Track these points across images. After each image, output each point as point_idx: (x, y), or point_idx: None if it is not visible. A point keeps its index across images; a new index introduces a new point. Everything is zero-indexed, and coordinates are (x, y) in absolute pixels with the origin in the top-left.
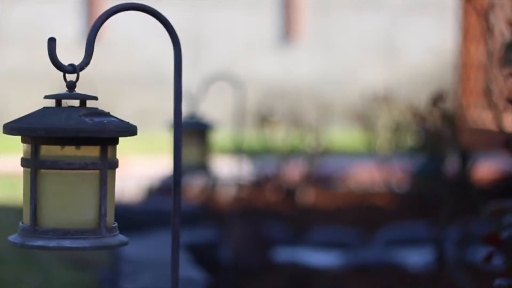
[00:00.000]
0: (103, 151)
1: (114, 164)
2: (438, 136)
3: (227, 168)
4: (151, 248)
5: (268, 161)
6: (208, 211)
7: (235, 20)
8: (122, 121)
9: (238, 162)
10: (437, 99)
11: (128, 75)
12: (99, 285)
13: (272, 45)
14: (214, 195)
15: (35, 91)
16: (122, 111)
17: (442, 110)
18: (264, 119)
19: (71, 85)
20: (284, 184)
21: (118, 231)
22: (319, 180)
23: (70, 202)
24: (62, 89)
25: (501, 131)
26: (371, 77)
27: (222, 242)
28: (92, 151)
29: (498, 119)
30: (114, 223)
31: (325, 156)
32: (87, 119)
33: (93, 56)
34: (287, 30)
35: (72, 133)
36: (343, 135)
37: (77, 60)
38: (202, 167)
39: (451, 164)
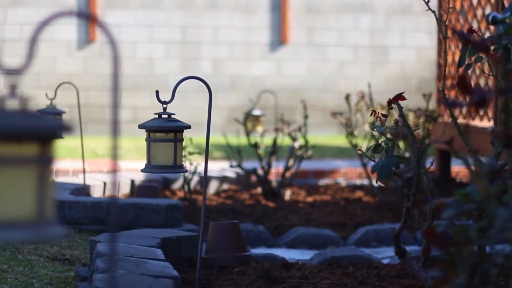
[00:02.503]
0: (41, 148)
1: (51, 160)
2: (396, 134)
3: (210, 167)
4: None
5: (252, 159)
6: (188, 208)
7: (229, 22)
8: (59, 120)
9: (221, 161)
10: (395, 98)
11: (125, 77)
12: (78, 280)
13: (263, 47)
14: (194, 193)
15: (35, 92)
16: (122, 112)
17: (401, 109)
18: (249, 119)
19: (12, 87)
20: (267, 182)
21: (56, 223)
22: (302, 178)
23: (10, 196)
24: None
25: (461, 132)
26: (362, 79)
27: (199, 238)
28: (30, 148)
29: (453, 121)
30: (53, 216)
31: (309, 155)
32: (26, 118)
33: (87, 59)
34: (279, 32)
35: (12, 131)
36: (329, 135)
37: (76, 62)
38: (178, 166)
39: (411, 161)
